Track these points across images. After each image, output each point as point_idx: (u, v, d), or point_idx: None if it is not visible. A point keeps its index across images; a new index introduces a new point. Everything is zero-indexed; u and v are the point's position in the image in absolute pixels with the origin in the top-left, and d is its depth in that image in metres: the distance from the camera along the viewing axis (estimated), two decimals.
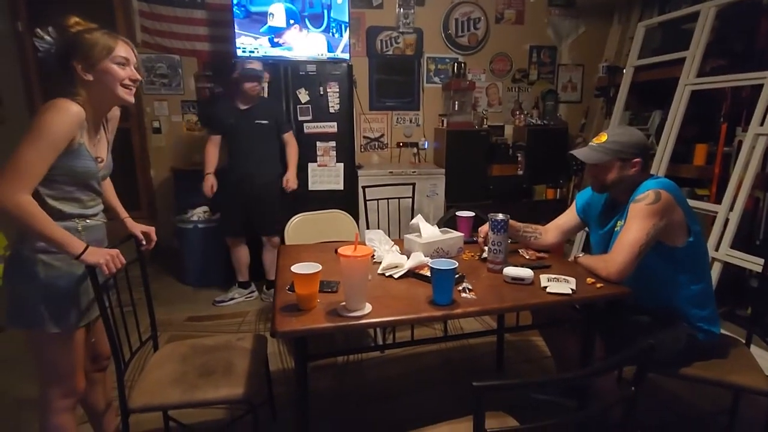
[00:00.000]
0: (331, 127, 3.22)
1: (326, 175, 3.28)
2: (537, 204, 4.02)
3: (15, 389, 1.96)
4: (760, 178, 2.51)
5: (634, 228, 1.37)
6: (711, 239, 2.55)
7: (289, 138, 2.91)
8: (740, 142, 2.63)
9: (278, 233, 2.52)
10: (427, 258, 1.44)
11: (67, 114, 1.13)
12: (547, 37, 4.19)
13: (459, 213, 1.83)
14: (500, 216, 1.47)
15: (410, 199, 2.60)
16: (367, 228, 2.36)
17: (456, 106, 3.86)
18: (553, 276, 1.38)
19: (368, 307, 1.19)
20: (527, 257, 1.63)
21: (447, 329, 2.42)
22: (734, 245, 2.50)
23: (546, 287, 1.32)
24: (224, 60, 3.44)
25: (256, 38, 3.10)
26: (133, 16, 3.41)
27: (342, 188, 3.30)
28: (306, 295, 1.18)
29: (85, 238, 1.28)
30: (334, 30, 3.25)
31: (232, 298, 2.94)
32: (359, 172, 3.49)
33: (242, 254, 2.95)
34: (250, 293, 3.02)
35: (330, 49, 3.25)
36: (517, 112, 4.16)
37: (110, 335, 1.28)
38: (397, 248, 1.62)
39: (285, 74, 3.10)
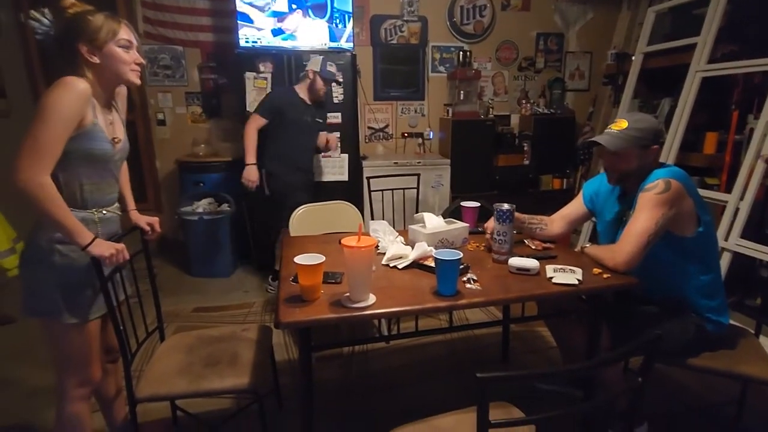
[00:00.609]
0: (336, 117, 3.20)
1: (331, 166, 3.27)
2: (543, 194, 3.98)
3: (28, 378, 1.99)
4: None
5: (643, 218, 1.34)
6: (721, 229, 2.52)
7: (323, 135, 2.97)
8: (752, 130, 2.57)
9: None
10: (432, 248, 1.43)
11: (74, 89, 1.13)
12: (554, 23, 4.12)
13: (464, 203, 1.82)
14: (505, 206, 1.45)
15: (415, 190, 2.58)
16: (372, 219, 2.35)
17: (461, 95, 3.81)
18: (559, 266, 1.37)
19: (372, 298, 1.19)
20: (533, 248, 1.61)
21: (452, 320, 2.42)
22: (744, 235, 2.47)
23: (552, 278, 1.31)
24: (226, 51, 3.43)
25: (259, 29, 3.07)
26: (135, 6, 3.39)
27: (347, 179, 3.29)
28: (309, 286, 1.18)
29: (101, 230, 1.29)
30: (338, 20, 3.21)
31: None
32: (364, 162, 3.47)
33: None
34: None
35: (333, 38, 3.22)
36: (524, 101, 4.10)
37: (116, 326, 1.29)
38: (402, 239, 1.61)
39: (288, 65, 3.07)
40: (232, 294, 2.96)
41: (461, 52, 3.81)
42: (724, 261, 2.47)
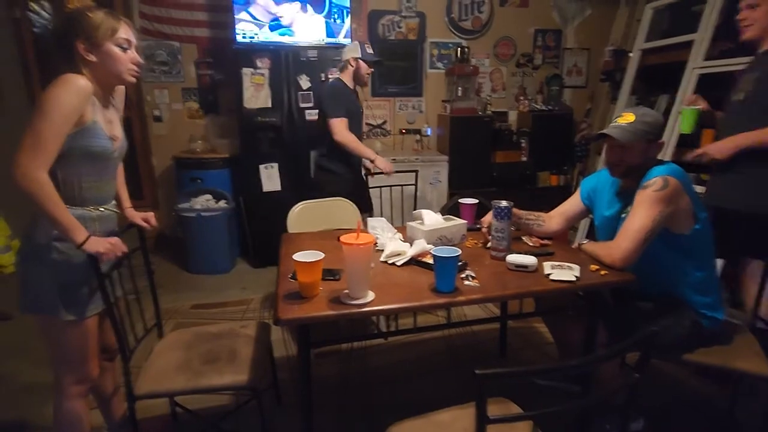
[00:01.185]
0: None
1: None
2: (541, 191, 4.00)
3: (25, 375, 2.00)
4: None
5: (641, 215, 1.35)
6: None
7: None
8: None
9: None
10: (430, 245, 1.43)
11: (74, 86, 1.13)
12: (552, 20, 4.11)
13: (462, 200, 1.82)
14: (503, 203, 1.45)
15: (413, 187, 2.58)
16: (370, 216, 2.35)
17: (459, 91, 3.81)
18: (557, 263, 1.37)
19: (371, 295, 1.19)
20: (531, 244, 1.62)
21: (450, 316, 2.43)
22: None
23: (549, 274, 1.32)
24: (223, 46, 3.41)
25: (259, 25, 3.05)
26: (132, 1, 3.37)
27: None
28: (308, 283, 1.18)
29: (99, 227, 1.29)
30: (336, 16, 3.20)
31: None
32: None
33: None
34: None
35: (331, 34, 3.21)
36: (521, 98, 4.10)
37: (114, 323, 1.29)
38: (400, 236, 1.61)
39: (286, 60, 3.06)
40: (230, 290, 2.96)
41: (459, 48, 3.81)
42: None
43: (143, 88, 3.54)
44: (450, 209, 1.91)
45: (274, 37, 3.11)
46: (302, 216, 2.12)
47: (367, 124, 3.91)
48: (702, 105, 1.91)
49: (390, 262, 1.44)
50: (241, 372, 1.37)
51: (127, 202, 1.53)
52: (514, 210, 1.55)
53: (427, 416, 1.16)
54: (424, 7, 3.81)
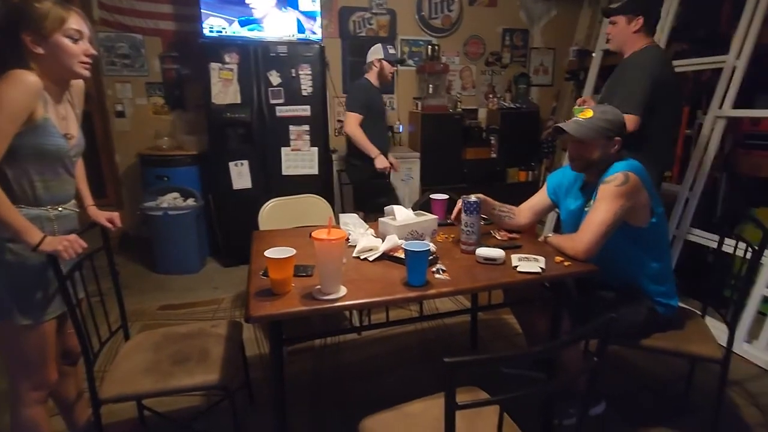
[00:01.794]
0: (304, 110, 3.16)
1: (300, 160, 3.24)
2: (510, 186, 4.10)
3: None
4: (719, 159, 2.64)
5: (602, 209, 1.41)
6: (673, 218, 2.67)
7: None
8: (701, 125, 2.74)
9: None
10: (402, 240, 1.45)
11: (22, 83, 1.07)
12: (520, 20, 4.21)
13: (433, 196, 1.85)
14: (472, 198, 1.49)
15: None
16: (344, 212, 2.35)
17: (430, 89, 3.85)
18: (524, 255, 1.42)
19: (343, 290, 1.20)
20: (499, 238, 1.66)
21: (422, 310, 2.46)
22: (694, 224, 2.63)
23: (517, 266, 1.36)
24: (189, 40, 3.32)
25: (228, 20, 2.98)
26: None
27: (317, 173, 3.27)
28: (280, 280, 1.18)
29: (58, 228, 1.23)
30: (308, 11, 3.16)
31: None
32: (334, 156, 3.46)
33: None
34: None
35: (301, 30, 3.17)
36: (491, 96, 4.19)
37: (76, 325, 1.24)
38: (372, 231, 1.62)
39: (255, 55, 3.01)
40: (200, 290, 2.90)
41: (430, 46, 3.85)
42: (676, 248, 2.63)
43: (104, 81, 3.39)
44: (421, 205, 1.93)
45: (244, 32, 3.04)
46: (273, 213, 2.10)
47: (339, 120, 3.90)
48: (591, 105, 2.14)
49: (362, 257, 1.45)
50: (213, 371, 1.35)
51: (89, 199, 1.47)
52: (487, 200, 1.59)
53: (398, 408, 1.18)
54: (394, 4, 3.82)
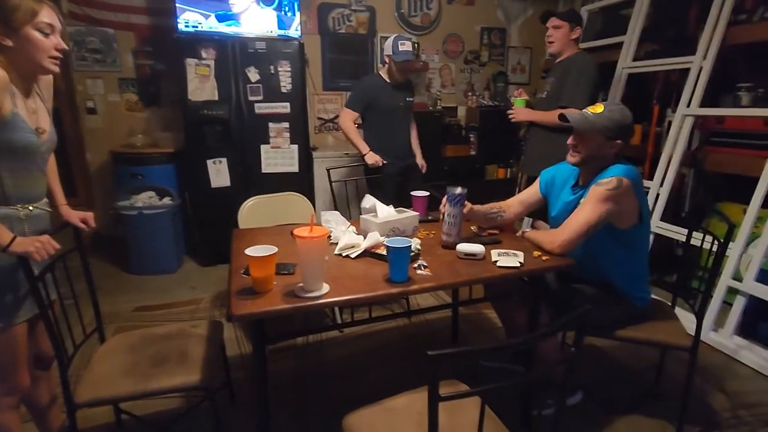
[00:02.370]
0: (284, 107, 3.13)
1: (280, 157, 3.21)
2: (489, 183, 4.15)
3: None
4: (687, 155, 2.74)
5: (589, 209, 1.43)
6: None
7: (412, 117, 2.90)
8: (670, 123, 2.84)
9: None
10: (383, 237, 1.46)
11: None
12: (497, 18, 4.27)
13: (414, 192, 1.87)
14: (458, 190, 1.49)
15: (365, 180, 2.60)
16: (329, 209, 2.34)
17: None
18: (503, 251, 1.45)
19: (325, 287, 1.20)
20: (479, 234, 1.69)
21: (409, 306, 2.48)
22: (663, 218, 2.73)
23: (496, 261, 1.39)
24: (164, 35, 3.23)
25: (204, 15, 2.92)
26: None
27: (297, 170, 3.24)
28: (262, 278, 1.17)
29: (28, 228, 1.19)
30: (287, 8, 3.12)
31: None
32: (314, 153, 3.44)
33: None
34: None
35: (282, 26, 3.13)
36: (470, 94, 4.24)
37: (49, 328, 1.20)
38: (354, 229, 1.63)
39: (233, 51, 2.96)
40: (177, 290, 2.84)
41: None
42: None
43: (74, 77, 3.28)
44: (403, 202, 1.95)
45: (222, 27, 2.99)
46: (254, 211, 2.08)
47: (319, 118, 3.88)
48: (526, 96, 2.58)
49: (344, 254, 1.45)
50: (193, 372, 1.33)
51: (61, 198, 1.43)
52: (475, 208, 1.59)
53: (381, 403, 1.18)
54: (373, 1, 3.81)
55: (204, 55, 2.91)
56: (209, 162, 3.07)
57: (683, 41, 2.85)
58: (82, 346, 1.41)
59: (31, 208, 1.22)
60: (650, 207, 2.75)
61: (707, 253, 1.64)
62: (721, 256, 1.52)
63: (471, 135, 4.08)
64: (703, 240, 1.70)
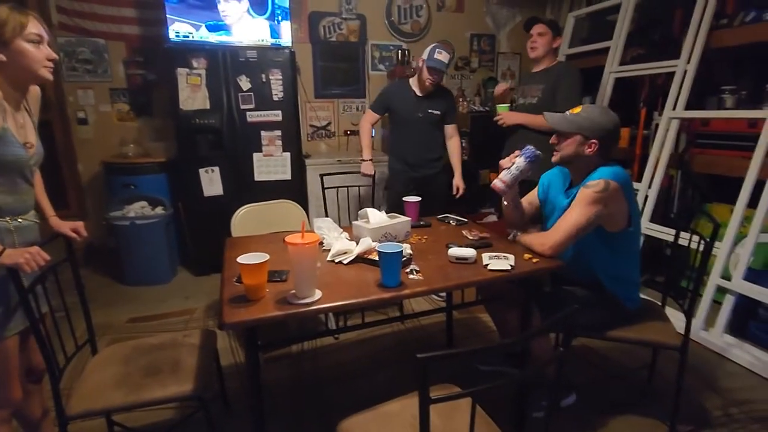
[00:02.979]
0: (276, 115, 3.14)
1: (273, 165, 3.21)
2: (482, 188, 4.17)
3: None
4: (674, 157, 2.79)
5: (577, 212, 1.45)
6: None
7: (453, 131, 2.80)
8: (657, 125, 2.89)
9: None
10: (376, 243, 1.47)
11: None
12: (486, 25, 4.32)
13: (406, 198, 1.88)
14: (537, 151, 1.54)
15: (357, 188, 2.62)
16: (324, 216, 2.35)
17: None
18: (494, 254, 1.47)
19: (318, 294, 1.20)
20: (470, 237, 1.70)
21: (403, 310, 2.49)
22: (652, 219, 2.77)
23: (487, 265, 1.40)
24: (155, 45, 3.24)
25: (195, 26, 2.93)
26: None
27: (290, 178, 3.25)
28: (254, 286, 1.17)
29: (18, 240, 1.19)
30: (279, 17, 3.15)
31: None
32: (307, 161, 3.45)
33: None
34: None
35: (275, 35, 3.15)
36: (461, 99, 4.27)
37: (40, 341, 1.19)
38: (346, 235, 1.64)
39: (224, 60, 2.97)
40: (171, 301, 2.83)
41: (400, 51, 3.89)
42: None
43: (65, 87, 3.27)
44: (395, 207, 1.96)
45: (213, 37, 3.00)
46: (246, 220, 2.08)
47: (311, 125, 3.89)
48: (507, 86, 2.79)
49: (337, 261, 1.46)
50: (186, 381, 1.33)
51: (50, 210, 1.43)
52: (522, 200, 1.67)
53: (375, 408, 1.19)
54: (364, 9, 3.85)
55: (195, 64, 2.92)
56: (201, 171, 3.07)
57: (668, 45, 2.91)
58: (74, 358, 1.40)
59: (20, 220, 1.22)
60: (641, 208, 2.78)
61: (695, 253, 1.66)
62: (707, 255, 1.55)
63: (463, 140, 4.10)
64: (690, 240, 1.73)
